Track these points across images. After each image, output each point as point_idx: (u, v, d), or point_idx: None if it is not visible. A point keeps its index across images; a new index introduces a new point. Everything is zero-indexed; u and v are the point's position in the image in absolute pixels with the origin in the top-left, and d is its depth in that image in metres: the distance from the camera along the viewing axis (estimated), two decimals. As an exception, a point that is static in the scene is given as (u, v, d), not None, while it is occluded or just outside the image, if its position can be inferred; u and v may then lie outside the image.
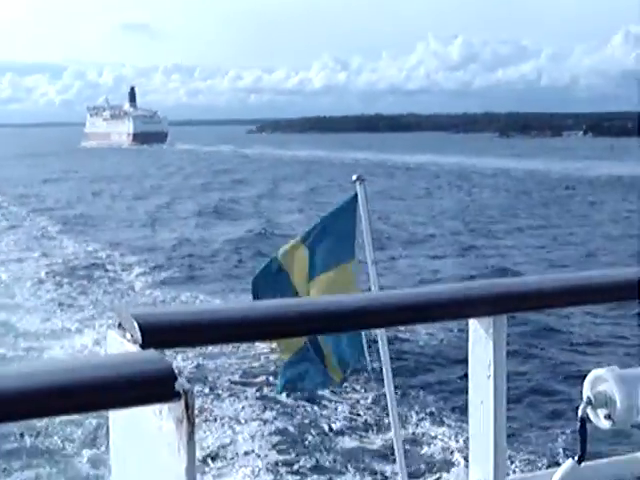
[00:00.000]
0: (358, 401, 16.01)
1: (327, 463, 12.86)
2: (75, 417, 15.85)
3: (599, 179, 73.11)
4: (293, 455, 13.55)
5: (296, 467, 12.92)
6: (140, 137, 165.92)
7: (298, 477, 12.74)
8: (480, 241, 34.83)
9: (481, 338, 1.92)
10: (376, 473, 12.90)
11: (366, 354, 5.89)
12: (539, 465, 11.21)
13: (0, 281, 27.69)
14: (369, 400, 15.67)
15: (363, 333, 5.70)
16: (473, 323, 1.95)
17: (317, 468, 13.01)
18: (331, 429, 14.76)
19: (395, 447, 6.02)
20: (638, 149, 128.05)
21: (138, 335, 1.42)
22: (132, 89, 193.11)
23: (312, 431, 14.65)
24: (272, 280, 5.91)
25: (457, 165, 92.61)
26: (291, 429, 14.65)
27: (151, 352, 1.38)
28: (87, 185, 70.57)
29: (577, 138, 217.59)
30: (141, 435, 1.43)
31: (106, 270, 29.15)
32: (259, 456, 13.20)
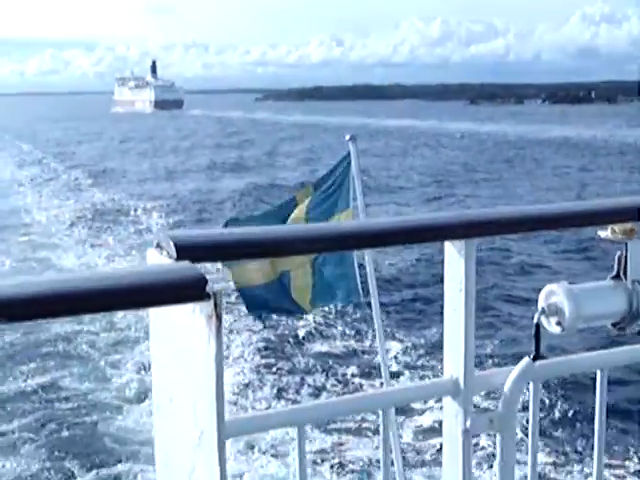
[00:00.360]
0: (343, 315, 16.34)
1: (311, 377, 13.31)
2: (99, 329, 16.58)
3: (548, 140, 72.27)
4: (273, 360, 14.11)
5: (274, 369, 13.56)
6: (160, 104, 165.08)
7: (276, 376, 13.29)
8: (444, 191, 35.37)
9: (455, 258, 1.93)
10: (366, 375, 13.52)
11: (359, 289, 5.72)
12: (502, 363, 11.35)
13: (41, 224, 28.06)
14: (357, 317, 16.00)
15: (357, 272, 5.61)
16: (448, 245, 1.95)
17: (292, 371, 13.57)
18: (308, 338, 15.21)
19: (379, 354, 5.90)
20: (588, 115, 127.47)
21: (173, 251, 1.44)
22: (153, 62, 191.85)
23: (291, 340, 15.43)
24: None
25: (430, 128, 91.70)
26: (273, 338, 15.43)
27: (185, 262, 1.41)
28: (115, 144, 70.27)
29: (537, 105, 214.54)
30: (177, 331, 1.45)
31: (128, 215, 29.36)
32: (246, 360, 13.92)
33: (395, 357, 13.70)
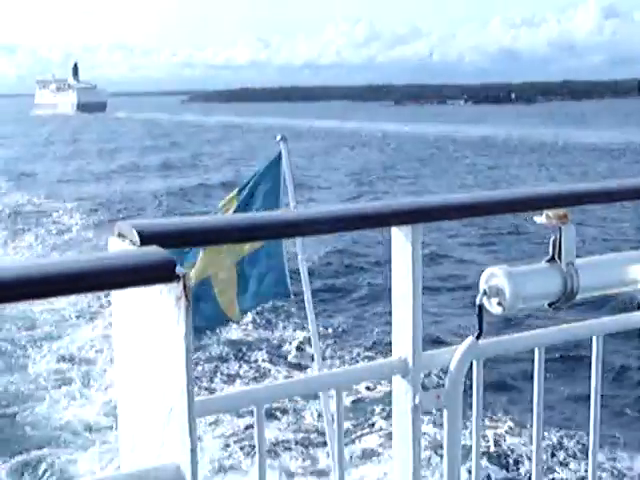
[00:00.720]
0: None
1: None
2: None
3: (466, 139, 73.75)
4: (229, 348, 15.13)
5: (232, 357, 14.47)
6: (83, 107, 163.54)
7: (235, 362, 14.40)
8: (363, 188, 36.32)
9: (402, 243, 1.93)
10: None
11: (288, 283, 5.57)
12: (448, 343, 12.16)
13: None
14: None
15: (286, 265, 5.49)
16: (395, 231, 1.95)
17: (247, 358, 14.54)
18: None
19: (312, 341, 5.76)
20: (507, 114, 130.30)
21: (137, 239, 1.43)
22: (75, 65, 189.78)
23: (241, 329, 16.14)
24: None
25: (354, 129, 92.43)
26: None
27: (153, 247, 1.40)
28: (37, 147, 68.73)
29: (459, 106, 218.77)
30: (145, 313, 1.44)
31: (50, 216, 29.13)
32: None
33: (346, 340, 14.30)
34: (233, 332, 16.67)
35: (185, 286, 1.37)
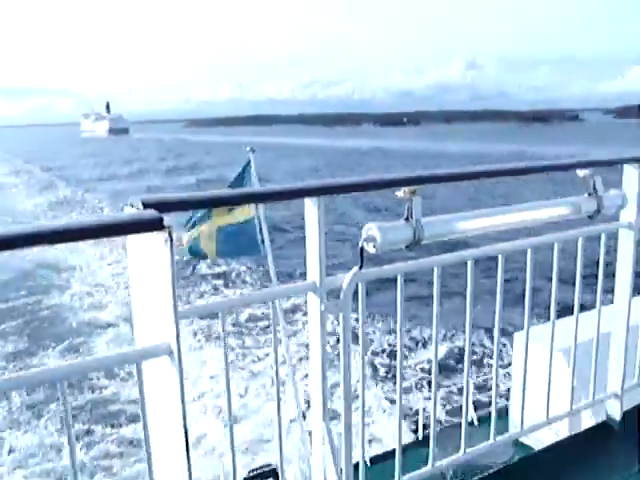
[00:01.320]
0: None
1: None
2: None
3: (371, 150, 72.95)
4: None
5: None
6: (112, 131, 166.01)
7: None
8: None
9: (312, 210, 1.87)
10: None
11: (260, 245, 5.30)
12: (343, 270, 12.74)
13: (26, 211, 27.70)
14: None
15: (258, 235, 5.22)
16: (307, 201, 1.87)
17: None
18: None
19: (272, 278, 5.36)
20: (402, 133, 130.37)
21: (141, 206, 1.38)
22: (107, 103, 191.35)
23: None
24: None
25: (299, 144, 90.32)
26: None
27: (151, 210, 1.37)
28: (83, 158, 66.90)
29: (370, 127, 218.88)
30: (148, 251, 1.41)
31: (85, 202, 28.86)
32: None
33: (285, 271, 14.42)
34: (212, 269, 17.38)
35: (170, 233, 1.36)
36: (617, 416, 2.71)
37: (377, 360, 11.91)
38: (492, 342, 10.94)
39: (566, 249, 2.42)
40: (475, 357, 11.23)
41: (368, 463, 2.97)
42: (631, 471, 2.53)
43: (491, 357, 11.14)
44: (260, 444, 8.76)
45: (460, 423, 2.29)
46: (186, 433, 1.44)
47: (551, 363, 2.54)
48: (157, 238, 1.37)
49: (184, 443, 1.44)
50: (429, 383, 10.98)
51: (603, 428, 2.72)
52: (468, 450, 2.34)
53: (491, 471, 2.45)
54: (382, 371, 11.61)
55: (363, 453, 2.08)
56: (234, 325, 13.25)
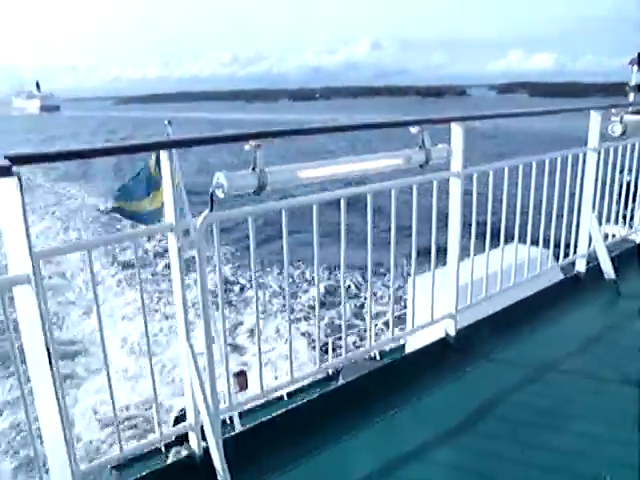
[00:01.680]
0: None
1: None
2: None
3: (285, 121, 67.33)
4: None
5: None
6: (44, 108, 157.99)
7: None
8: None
9: (165, 162, 1.80)
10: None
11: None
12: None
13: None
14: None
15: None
16: (162, 153, 1.80)
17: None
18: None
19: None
20: (313, 107, 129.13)
21: (4, 160, 1.32)
22: (37, 82, 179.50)
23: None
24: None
25: (220, 119, 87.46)
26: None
27: (6, 161, 1.33)
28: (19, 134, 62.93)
29: (286, 102, 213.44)
30: (4, 194, 1.37)
31: None
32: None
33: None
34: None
35: (19, 179, 1.35)
36: (452, 332, 2.83)
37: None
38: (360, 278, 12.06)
39: (422, 194, 2.49)
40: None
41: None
42: (460, 374, 2.61)
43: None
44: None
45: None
46: (48, 350, 1.47)
47: (414, 293, 2.71)
48: (8, 183, 1.35)
49: (47, 358, 1.47)
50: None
51: (442, 342, 2.83)
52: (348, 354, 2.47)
53: (364, 372, 2.49)
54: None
55: (227, 364, 2.14)
56: (153, 275, 13.60)
